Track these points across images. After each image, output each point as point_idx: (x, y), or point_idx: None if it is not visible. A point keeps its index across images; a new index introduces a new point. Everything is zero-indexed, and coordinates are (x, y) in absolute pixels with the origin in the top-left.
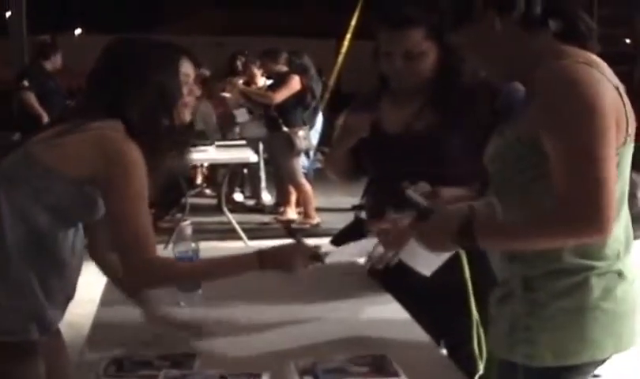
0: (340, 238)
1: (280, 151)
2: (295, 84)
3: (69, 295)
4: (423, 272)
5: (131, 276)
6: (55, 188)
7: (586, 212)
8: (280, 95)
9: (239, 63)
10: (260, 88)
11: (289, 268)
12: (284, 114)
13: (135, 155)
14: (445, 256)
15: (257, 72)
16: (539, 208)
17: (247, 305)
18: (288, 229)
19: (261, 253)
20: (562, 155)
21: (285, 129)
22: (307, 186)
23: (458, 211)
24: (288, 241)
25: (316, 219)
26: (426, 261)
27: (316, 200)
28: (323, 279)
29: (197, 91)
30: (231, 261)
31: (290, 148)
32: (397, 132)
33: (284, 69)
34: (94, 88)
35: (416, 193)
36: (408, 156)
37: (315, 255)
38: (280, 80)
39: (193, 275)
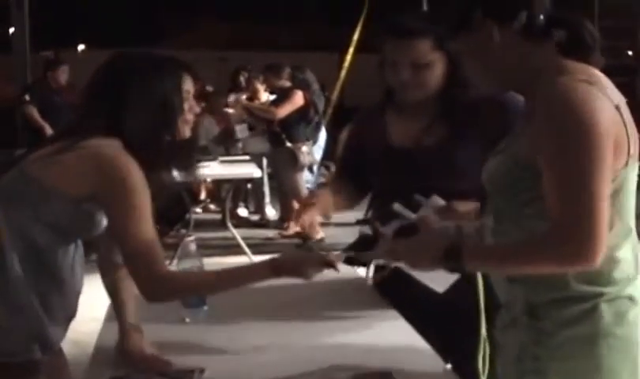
0: (353, 258)
1: (283, 167)
2: (298, 99)
3: (70, 314)
4: (435, 288)
5: (144, 291)
6: (54, 206)
7: (575, 239)
8: (283, 111)
9: (242, 78)
10: (263, 104)
11: (303, 274)
12: (287, 130)
13: (134, 171)
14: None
15: (261, 87)
16: (533, 232)
17: (251, 322)
18: (301, 237)
19: (273, 261)
20: (555, 178)
21: (288, 144)
22: None
23: (445, 230)
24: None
25: (320, 233)
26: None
27: None
28: (328, 293)
29: (197, 108)
30: (244, 271)
31: (293, 164)
32: (407, 146)
33: (287, 84)
34: (93, 102)
35: (406, 208)
36: (418, 171)
37: (329, 262)
38: (283, 96)
39: (205, 285)
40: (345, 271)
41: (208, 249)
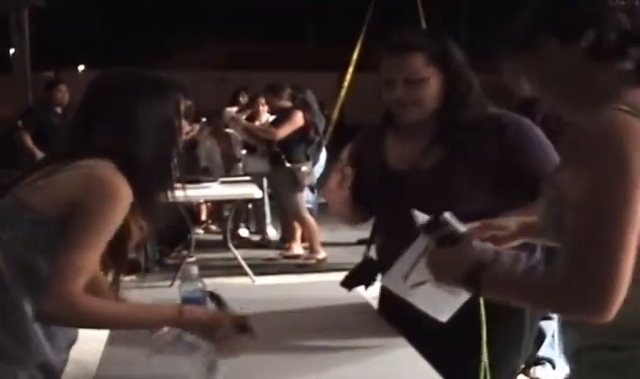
0: (350, 281)
1: (283, 187)
2: (298, 119)
3: (72, 340)
4: (439, 318)
5: (44, 307)
6: (48, 231)
7: (587, 290)
8: (283, 131)
9: (241, 99)
10: (263, 124)
11: (210, 338)
12: (286, 150)
13: (122, 188)
14: (462, 299)
15: (263, 108)
16: (552, 272)
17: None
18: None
19: (182, 313)
20: (577, 219)
21: (288, 164)
22: (312, 221)
23: (482, 252)
24: (297, 277)
25: (322, 253)
26: (443, 306)
27: (321, 234)
28: (333, 320)
29: (187, 128)
30: (154, 312)
31: (293, 184)
32: (404, 170)
33: (288, 104)
34: (85, 123)
35: (455, 218)
36: (415, 195)
37: (243, 326)
38: (283, 116)
39: (114, 319)
40: (346, 295)
41: (210, 269)
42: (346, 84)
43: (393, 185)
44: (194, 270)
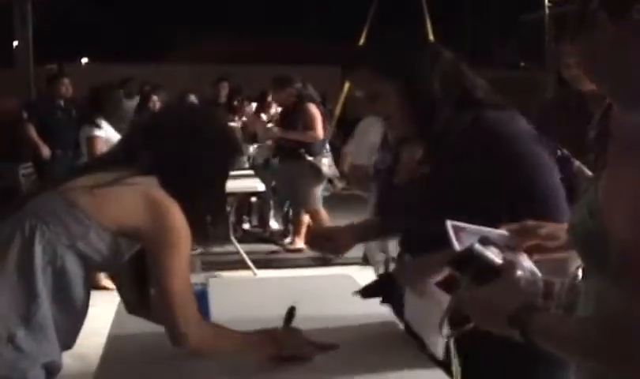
0: (368, 291)
1: (304, 180)
2: (317, 113)
3: (73, 341)
4: (436, 353)
5: (180, 340)
6: (91, 237)
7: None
8: (319, 131)
9: (235, 103)
10: (272, 116)
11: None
12: (306, 144)
13: (184, 221)
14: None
15: (274, 103)
16: (607, 320)
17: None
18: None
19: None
20: (627, 246)
21: (309, 158)
22: (324, 214)
23: (531, 285)
24: (299, 271)
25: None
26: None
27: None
28: (359, 341)
29: None
30: (256, 344)
31: (316, 177)
32: (401, 183)
33: (292, 98)
34: (146, 140)
35: (487, 247)
36: (410, 206)
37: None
38: (298, 112)
39: (231, 348)
40: (351, 288)
41: (212, 263)
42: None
43: (396, 197)
44: (197, 263)
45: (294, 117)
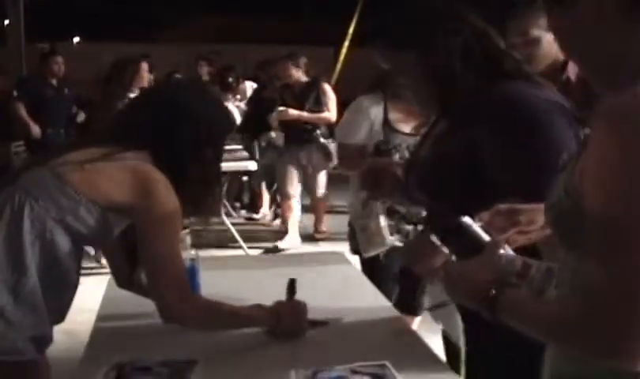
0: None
1: (318, 162)
2: (333, 93)
3: (63, 315)
4: (452, 337)
5: (170, 314)
6: (81, 212)
7: (613, 327)
8: (334, 112)
9: (231, 79)
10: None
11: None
12: (317, 126)
13: (173, 196)
14: None
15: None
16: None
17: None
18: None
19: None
20: (598, 231)
21: (323, 140)
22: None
23: (508, 264)
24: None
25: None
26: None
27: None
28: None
29: None
30: (255, 318)
31: (326, 159)
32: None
33: (304, 78)
34: (136, 117)
35: (476, 223)
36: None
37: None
38: (312, 90)
39: (226, 321)
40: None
41: (203, 240)
42: (342, 58)
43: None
44: (187, 239)
45: (307, 95)
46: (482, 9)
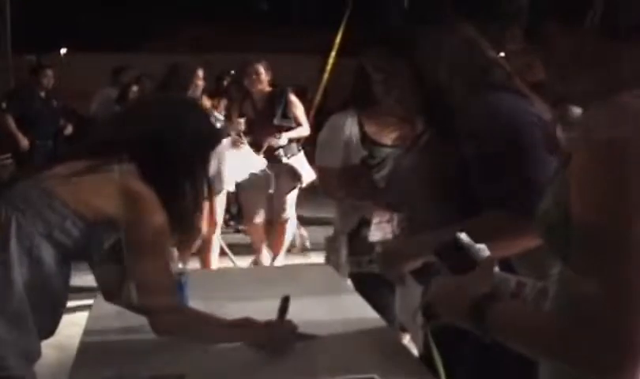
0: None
1: (281, 186)
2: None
3: (52, 329)
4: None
5: (160, 327)
6: (68, 226)
7: (594, 334)
8: (307, 124)
9: (225, 84)
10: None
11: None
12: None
13: (160, 210)
14: None
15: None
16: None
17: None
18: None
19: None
20: (584, 238)
21: (286, 160)
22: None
23: (502, 282)
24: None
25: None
26: None
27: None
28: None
29: None
30: (245, 333)
31: (294, 181)
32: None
33: (267, 88)
34: (123, 131)
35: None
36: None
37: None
38: (278, 102)
39: (215, 334)
40: (325, 274)
41: (191, 252)
42: (329, 67)
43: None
44: (174, 253)
45: (271, 108)
46: (479, 17)
